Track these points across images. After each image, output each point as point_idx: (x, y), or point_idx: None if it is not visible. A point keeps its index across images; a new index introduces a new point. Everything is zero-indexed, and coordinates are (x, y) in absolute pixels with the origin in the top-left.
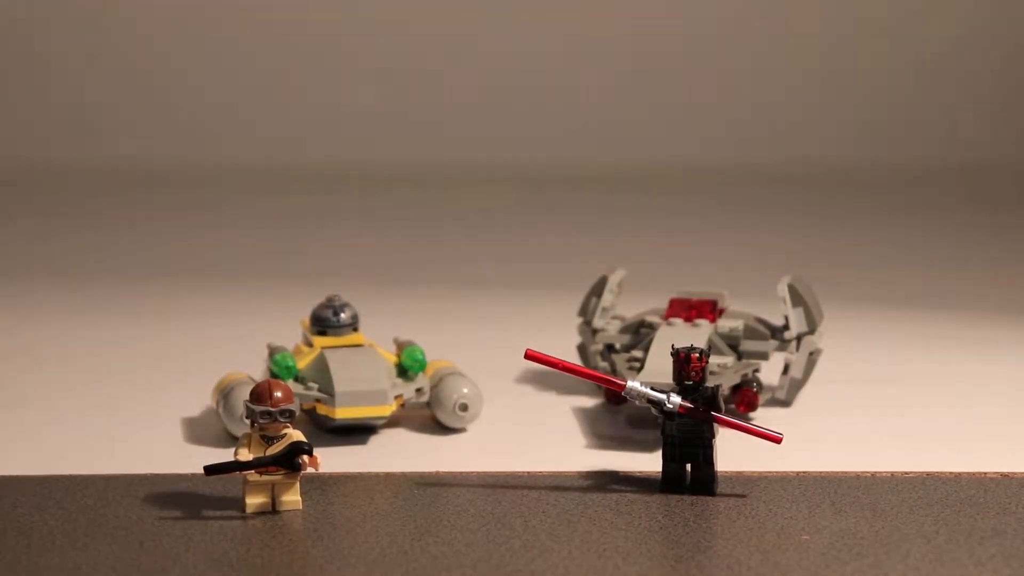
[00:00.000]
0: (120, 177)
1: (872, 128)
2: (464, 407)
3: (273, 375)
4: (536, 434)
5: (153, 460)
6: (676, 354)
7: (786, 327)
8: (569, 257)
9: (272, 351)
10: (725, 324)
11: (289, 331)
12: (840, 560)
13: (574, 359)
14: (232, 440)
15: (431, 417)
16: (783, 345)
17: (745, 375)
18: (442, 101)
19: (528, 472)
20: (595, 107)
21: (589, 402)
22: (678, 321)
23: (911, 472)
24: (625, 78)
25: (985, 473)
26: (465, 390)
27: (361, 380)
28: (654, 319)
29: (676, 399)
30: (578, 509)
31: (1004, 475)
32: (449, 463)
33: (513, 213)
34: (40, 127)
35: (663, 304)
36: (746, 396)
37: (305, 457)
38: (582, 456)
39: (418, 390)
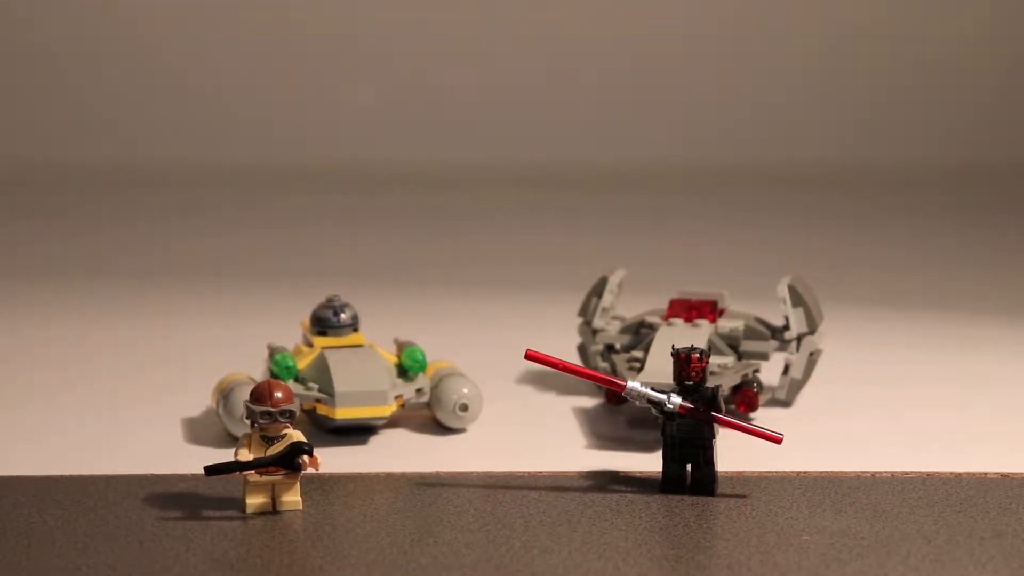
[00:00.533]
0: (120, 177)
1: (872, 128)
2: (464, 407)
3: (273, 375)
4: (536, 434)
5: (153, 460)
6: (676, 354)
7: (786, 327)
8: (569, 257)
9: (272, 351)
10: (725, 324)
11: (289, 331)
12: (840, 560)
13: (574, 359)
14: (232, 440)
15: (431, 417)
16: (783, 345)
17: (745, 375)
18: (442, 101)
19: (528, 472)
20: (595, 107)
21: (589, 402)
22: (678, 321)
23: (911, 472)
24: (625, 78)
25: (985, 473)
26: (465, 390)
27: (361, 380)
28: (654, 319)
29: (676, 399)
30: (578, 509)
31: (1004, 475)
32: (449, 463)
33: (513, 213)
34: (40, 127)
35: (663, 304)
36: (746, 396)
37: (305, 457)
38: (582, 456)
39: (418, 390)
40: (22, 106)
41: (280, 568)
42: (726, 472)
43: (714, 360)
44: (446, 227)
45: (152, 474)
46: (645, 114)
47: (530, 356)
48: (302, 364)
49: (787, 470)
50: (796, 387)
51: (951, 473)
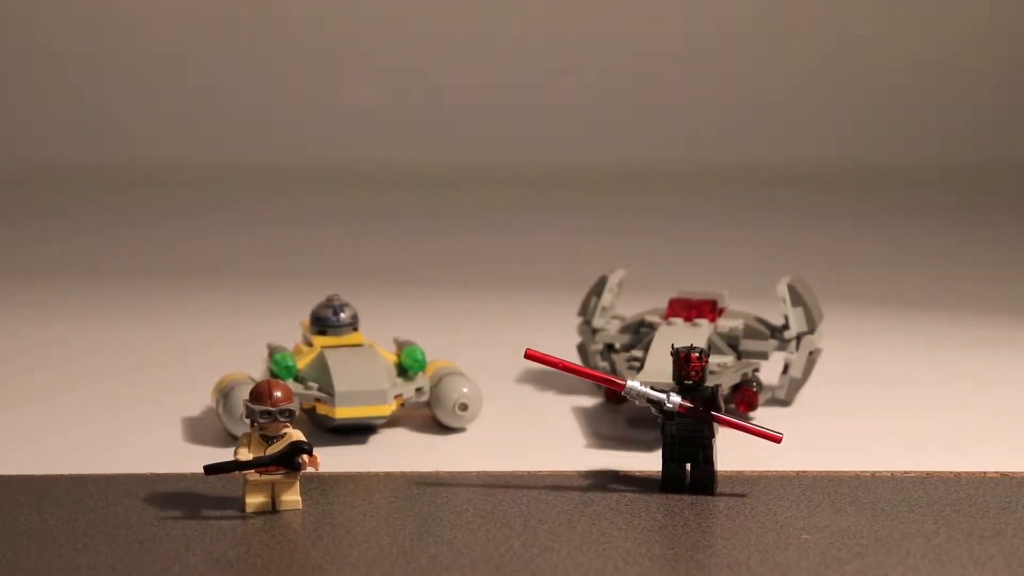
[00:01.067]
0: (120, 177)
1: (872, 128)
2: (464, 407)
3: (273, 375)
4: (536, 434)
5: (153, 460)
6: (676, 354)
7: (786, 327)
8: (569, 257)
9: (272, 351)
10: (725, 324)
11: (289, 331)
12: (840, 559)
13: (574, 359)
14: (232, 440)
15: (431, 417)
16: (783, 345)
17: (745, 375)
18: (442, 101)
19: (528, 472)
20: (595, 107)
21: (589, 402)
22: (678, 321)
23: (911, 471)
24: (625, 78)
25: (985, 472)
26: (465, 390)
27: (361, 380)
28: (654, 319)
29: (676, 399)
30: (578, 509)
31: (1004, 474)
32: (449, 463)
33: (513, 213)
34: (40, 127)
35: (663, 304)
36: (746, 396)
37: (305, 457)
38: (582, 456)
39: (418, 390)
40: (22, 106)
41: (280, 567)
42: (725, 471)
43: (714, 359)
44: (446, 227)
45: (152, 473)
46: (645, 114)
47: (530, 355)
48: (302, 363)
49: (786, 469)
50: (796, 386)
51: (950, 472)
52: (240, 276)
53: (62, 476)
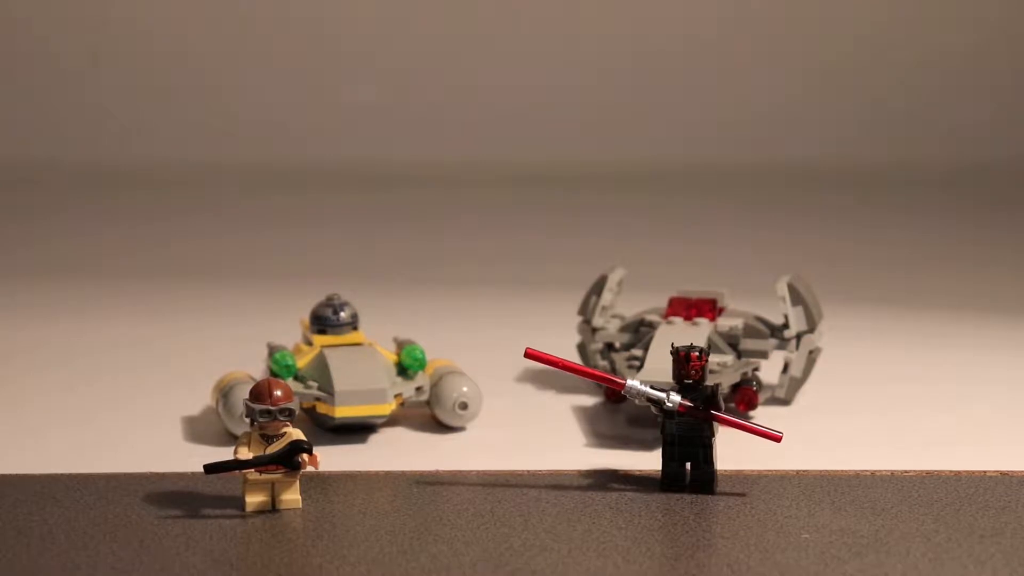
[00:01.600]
0: (120, 177)
1: (872, 128)
2: (464, 406)
3: (273, 374)
4: (536, 433)
5: (153, 459)
6: (676, 353)
7: (786, 326)
8: (569, 256)
9: (272, 350)
10: (725, 323)
11: (289, 330)
12: (840, 559)
13: (574, 358)
14: (232, 439)
15: (431, 416)
16: (783, 344)
17: (745, 374)
18: (442, 101)
19: (528, 471)
20: (595, 107)
21: (589, 401)
22: (678, 320)
23: (911, 471)
24: (625, 78)
25: (984, 472)
26: (465, 389)
27: (361, 379)
28: (654, 318)
29: (676, 398)
30: (578, 508)
31: (1003, 473)
32: (449, 462)
33: (513, 213)
34: (40, 127)
35: (663, 303)
36: (746, 395)
37: (305, 456)
38: (582, 455)
39: (418, 389)
40: (22, 106)
41: (279, 566)
42: (725, 470)
43: (713, 358)
44: (446, 227)
45: (152, 472)
46: (645, 114)
47: (529, 355)
48: (301, 362)
49: (786, 468)
50: (795, 385)
51: (950, 471)
52: (240, 276)
53: (62, 475)
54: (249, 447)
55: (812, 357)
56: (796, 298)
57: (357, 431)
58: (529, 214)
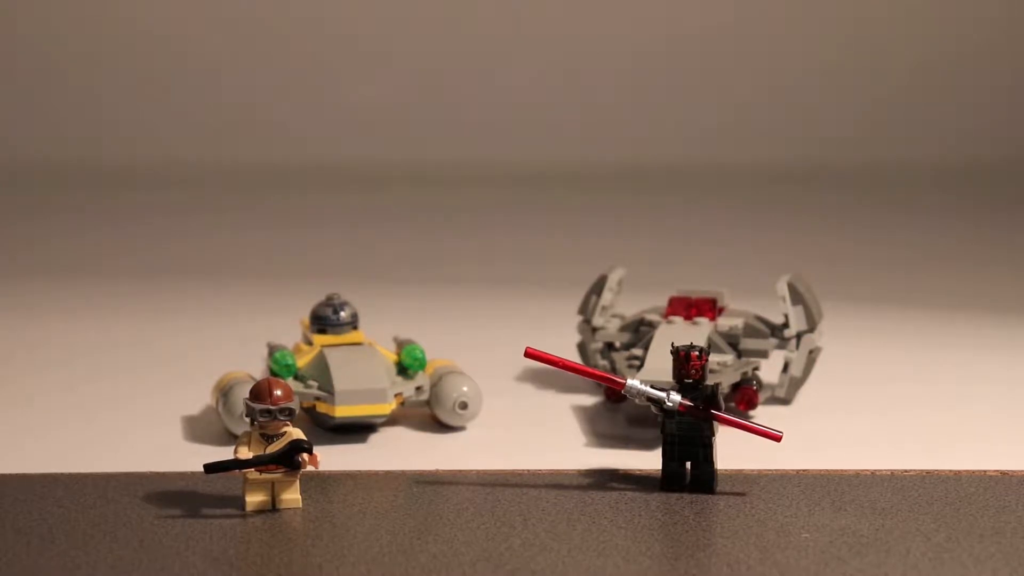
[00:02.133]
0: (120, 177)
1: (872, 128)
2: (464, 405)
3: (273, 373)
4: (536, 432)
5: (153, 458)
6: (676, 352)
7: (786, 325)
8: (569, 256)
9: (272, 349)
10: (725, 322)
11: (289, 329)
12: (840, 558)
13: (574, 357)
14: (232, 438)
15: (431, 415)
16: (783, 343)
17: (745, 373)
18: (442, 100)
19: (528, 470)
20: (595, 107)
21: (589, 400)
22: (678, 319)
23: (911, 470)
24: (625, 78)
25: (984, 471)
26: (465, 388)
27: (361, 378)
28: (654, 317)
29: (676, 397)
30: (578, 507)
31: (1003, 473)
32: (449, 461)
33: (513, 213)
34: (40, 127)
35: (663, 302)
36: (746, 394)
37: (305, 455)
38: (582, 454)
39: (418, 388)
40: (22, 106)
41: (279, 566)
42: (725, 470)
43: (714, 358)
44: (446, 226)
45: (152, 472)
46: (645, 114)
47: (529, 354)
48: (301, 362)
49: (786, 468)
50: (796, 385)
51: (950, 471)
52: (240, 275)
53: (62, 475)
54: (249, 447)
55: (812, 357)
56: (796, 298)
57: (357, 431)
58: (529, 214)
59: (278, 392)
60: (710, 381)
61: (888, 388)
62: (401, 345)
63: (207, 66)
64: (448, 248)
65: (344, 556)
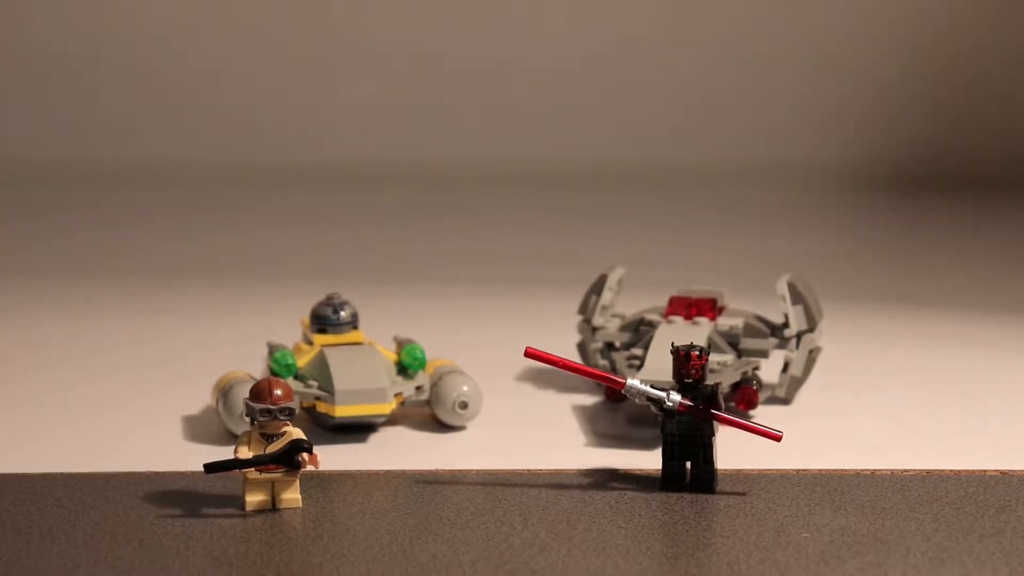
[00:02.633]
0: (120, 177)
1: (872, 128)
2: (464, 405)
3: (273, 373)
4: (536, 432)
5: (153, 458)
6: (676, 352)
7: (786, 325)
8: (569, 256)
9: (272, 349)
10: (725, 322)
11: (289, 329)
12: (840, 558)
13: (574, 357)
14: (232, 438)
15: (431, 415)
16: (783, 343)
17: (745, 373)
18: (442, 100)
19: (528, 470)
20: (596, 107)
21: (589, 400)
22: (678, 319)
23: (911, 470)
24: (625, 78)
25: (985, 471)
26: (465, 388)
27: (361, 378)
28: (654, 317)
29: (676, 397)
30: (578, 507)
31: (1003, 473)
32: (449, 461)
33: (512, 213)
34: (40, 127)
35: (663, 302)
36: (746, 394)
37: (305, 455)
38: (582, 454)
39: (418, 388)
40: (22, 106)
41: (279, 566)
42: (725, 470)
43: (714, 358)
44: (446, 226)
45: (152, 472)
46: (646, 113)
47: (529, 354)
48: (302, 362)
49: (786, 468)
50: (796, 385)
51: (950, 471)
52: (240, 275)
53: (62, 474)
54: (249, 446)
55: (812, 356)
56: (796, 297)
57: (357, 430)
58: (529, 214)
59: (278, 392)
60: (710, 381)
61: (888, 388)
62: (401, 345)
63: (207, 66)
64: (448, 248)
65: (344, 556)
